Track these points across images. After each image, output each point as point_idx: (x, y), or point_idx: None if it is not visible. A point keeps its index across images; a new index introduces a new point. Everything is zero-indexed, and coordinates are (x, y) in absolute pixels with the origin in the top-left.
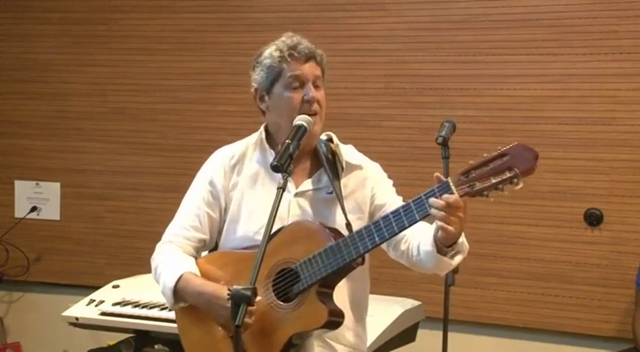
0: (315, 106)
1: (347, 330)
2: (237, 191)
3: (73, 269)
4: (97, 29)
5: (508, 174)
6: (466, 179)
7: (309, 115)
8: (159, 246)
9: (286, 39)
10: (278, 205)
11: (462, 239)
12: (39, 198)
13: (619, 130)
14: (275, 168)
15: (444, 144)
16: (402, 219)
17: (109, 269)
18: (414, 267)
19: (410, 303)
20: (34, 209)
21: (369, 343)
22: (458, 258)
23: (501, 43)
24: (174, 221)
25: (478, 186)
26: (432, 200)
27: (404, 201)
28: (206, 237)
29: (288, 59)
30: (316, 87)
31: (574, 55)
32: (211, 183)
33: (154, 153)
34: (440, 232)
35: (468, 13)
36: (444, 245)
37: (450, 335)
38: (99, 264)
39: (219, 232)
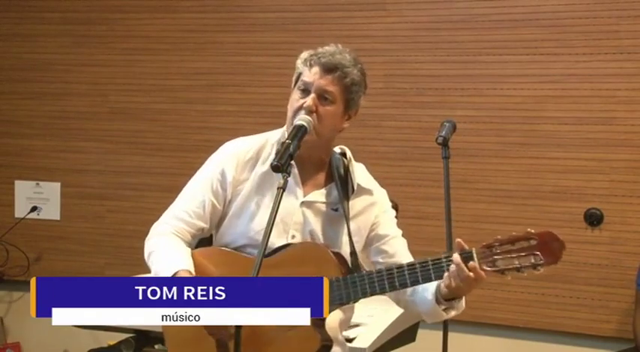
0: (312, 115)
1: (337, 345)
2: (245, 187)
3: (73, 269)
4: (97, 29)
5: (532, 261)
6: (490, 253)
7: None
8: (156, 227)
9: (326, 46)
10: (278, 205)
11: (462, 298)
12: (39, 198)
13: (619, 130)
14: (275, 168)
15: (444, 144)
16: (416, 275)
17: (109, 269)
18: (400, 305)
19: None
20: (34, 209)
21: (369, 343)
22: (452, 314)
23: (501, 43)
24: (176, 203)
25: (500, 264)
26: (461, 265)
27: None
28: (206, 225)
29: (307, 64)
30: (323, 100)
31: (574, 55)
32: (222, 173)
33: (154, 153)
34: (446, 289)
35: (468, 13)
36: (444, 298)
37: (450, 335)
38: (99, 263)
39: (218, 224)
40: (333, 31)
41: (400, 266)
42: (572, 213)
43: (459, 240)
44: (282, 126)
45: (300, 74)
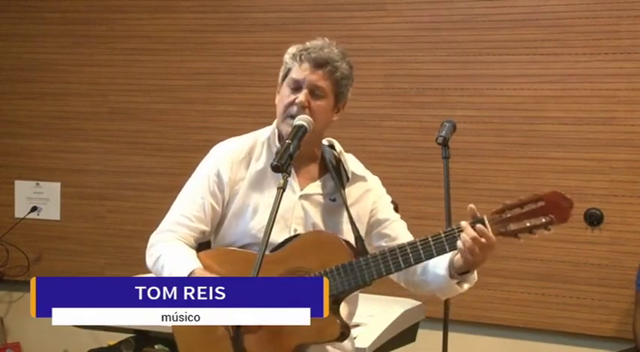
0: (305, 112)
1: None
2: (242, 186)
3: (73, 269)
4: (97, 29)
5: (543, 220)
6: (500, 218)
7: (291, 118)
8: (158, 234)
9: (313, 41)
10: (278, 205)
11: (475, 271)
12: (39, 198)
13: (619, 130)
14: (275, 168)
15: (444, 144)
16: (430, 249)
17: (109, 269)
18: (410, 286)
19: (410, 303)
20: (34, 209)
21: (369, 343)
22: (465, 287)
23: (501, 43)
24: (175, 209)
25: (512, 227)
26: (469, 229)
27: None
28: (207, 228)
29: (297, 59)
30: (315, 96)
31: (574, 55)
32: (218, 175)
33: (154, 153)
34: (460, 259)
35: (468, 13)
36: (457, 272)
37: (450, 335)
38: (99, 263)
39: (218, 225)
40: (333, 31)
41: (412, 243)
42: (572, 213)
43: (471, 205)
44: None
45: (289, 70)
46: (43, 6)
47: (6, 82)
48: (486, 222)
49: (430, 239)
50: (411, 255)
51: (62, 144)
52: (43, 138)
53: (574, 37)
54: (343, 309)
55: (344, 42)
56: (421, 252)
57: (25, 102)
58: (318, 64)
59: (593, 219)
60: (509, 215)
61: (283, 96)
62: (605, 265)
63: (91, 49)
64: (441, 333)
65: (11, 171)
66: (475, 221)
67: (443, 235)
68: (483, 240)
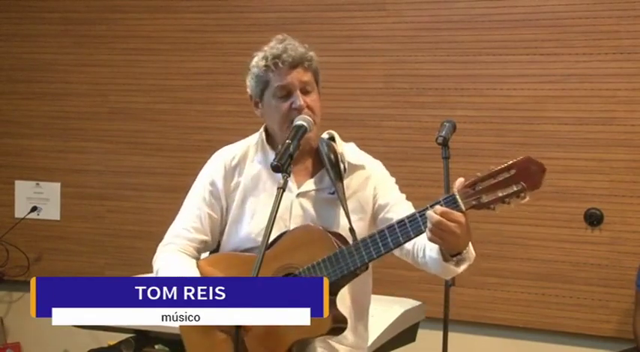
0: (306, 112)
1: (348, 330)
2: (238, 192)
3: (73, 269)
4: (97, 29)
5: (515, 188)
6: (473, 192)
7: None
8: (160, 248)
9: (274, 45)
10: (278, 205)
11: (469, 248)
12: (39, 198)
13: (619, 130)
14: (275, 169)
15: (444, 144)
16: (407, 230)
17: (109, 269)
18: (418, 266)
19: (410, 303)
20: (34, 209)
21: (369, 343)
22: (463, 266)
23: (501, 43)
24: (175, 222)
25: (485, 199)
26: (428, 213)
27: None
28: (207, 237)
29: (273, 69)
30: (306, 92)
31: (574, 55)
32: (212, 184)
33: (154, 153)
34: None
35: (468, 13)
36: (449, 254)
37: (450, 335)
38: (99, 263)
39: (221, 233)
40: (333, 31)
41: (391, 226)
42: (572, 213)
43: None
44: None
45: (266, 82)
46: (43, 6)
47: (6, 82)
48: (457, 197)
49: (406, 220)
50: (389, 239)
51: (62, 144)
52: (43, 138)
53: (574, 37)
54: (344, 303)
55: (344, 42)
56: (399, 234)
57: (25, 102)
58: (297, 63)
59: (593, 219)
60: (480, 187)
61: (274, 107)
62: (605, 265)
63: (91, 49)
64: (441, 333)
65: (11, 171)
66: (447, 199)
67: (417, 215)
68: (447, 222)
